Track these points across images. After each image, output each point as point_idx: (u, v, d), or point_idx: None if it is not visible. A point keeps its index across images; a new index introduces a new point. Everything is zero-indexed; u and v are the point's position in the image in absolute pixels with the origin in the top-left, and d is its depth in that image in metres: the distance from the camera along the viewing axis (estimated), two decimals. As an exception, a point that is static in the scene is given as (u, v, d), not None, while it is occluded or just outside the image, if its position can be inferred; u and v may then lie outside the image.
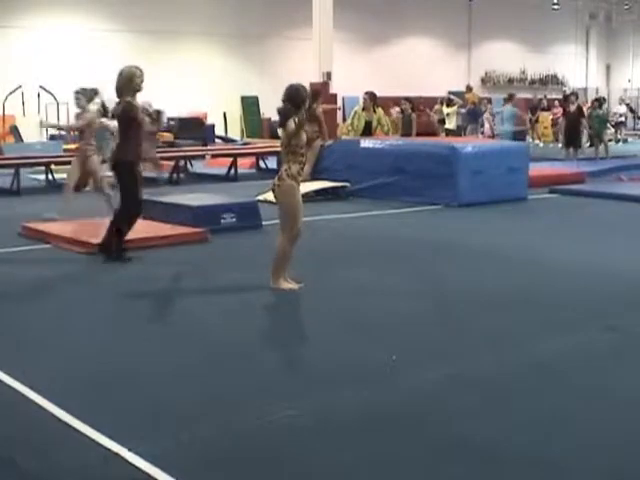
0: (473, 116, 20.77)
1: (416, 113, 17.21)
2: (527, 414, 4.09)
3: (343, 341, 5.33)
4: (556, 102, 26.31)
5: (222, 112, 25.68)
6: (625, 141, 26.80)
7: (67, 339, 5.38)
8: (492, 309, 6.12)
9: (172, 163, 15.09)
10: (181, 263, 7.77)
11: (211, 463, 3.56)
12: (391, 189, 12.03)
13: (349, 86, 23.24)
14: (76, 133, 9.99)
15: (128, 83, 7.55)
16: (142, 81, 7.63)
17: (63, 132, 9.97)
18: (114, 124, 15.18)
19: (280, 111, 6.53)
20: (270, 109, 23.46)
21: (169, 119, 18.78)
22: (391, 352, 4.98)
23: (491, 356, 5.01)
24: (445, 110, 20.21)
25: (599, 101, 20.14)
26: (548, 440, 3.75)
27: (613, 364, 4.90)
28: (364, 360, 4.89)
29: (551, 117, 26.23)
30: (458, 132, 19.75)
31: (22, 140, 20.55)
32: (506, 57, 34.34)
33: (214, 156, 17.76)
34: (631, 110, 33.15)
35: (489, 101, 23.14)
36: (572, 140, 18.34)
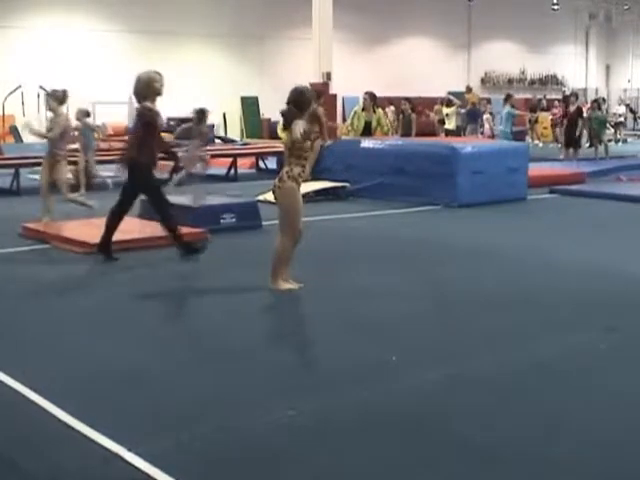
0: (473, 116, 20.77)
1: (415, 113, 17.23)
2: (527, 414, 4.09)
3: (343, 341, 5.33)
4: (556, 102, 26.32)
5: (222, 112, 25.69)
6: (625, 141, 26.82)
7: (67, 339, 5.38)
8: (492, 309, 6.12)
9: (172, 163, 15.04)
10: (180, 263, 7.77)
11: (211, 463, 3.56)
12: (391, 189, 12.03)
13: (349, 86, 23.26)
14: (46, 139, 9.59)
15: (146, 88, 7.64)
16: (162, 85, 7.72)
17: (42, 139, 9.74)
18: (97, 123, 15.13)
19: (284, 113, 6.52)
20: (270, 109, 23.59)
21: (169, 119, 18.78)
22: (391, 352, 4.98)
23: (491, 356, 5.01)
24: (444, 110, 20.22)
25: (598, 102, 20.16)
26: (548, 440, 3.76)
27: (613, 364, 4.90)
28: (364, 360, 4.89)
29: (550, 117, 26.24)
30: (458, 132, 19.76)
31: (22, 140, 20.56)
32: (506, 57, 34.39)
33: (214, 156, 17.74)
34: (631, 110, 33.20)
35: (489, 101, 23.16)
36: (572, 140, 18.34)
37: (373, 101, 14.60)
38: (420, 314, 6.03)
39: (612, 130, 26.08)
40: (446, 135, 19.21)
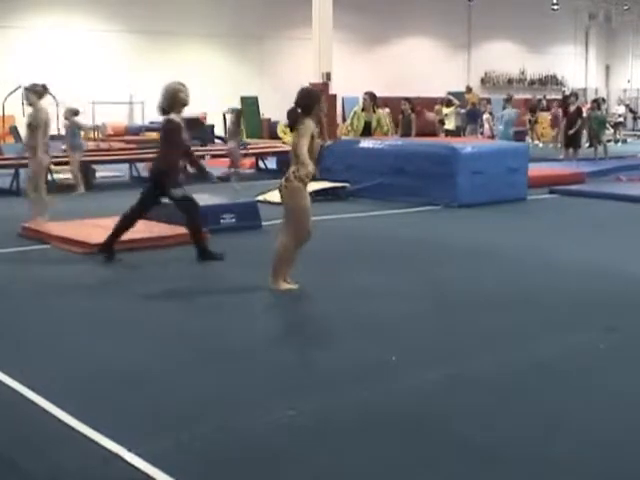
0: (473, 117, 20.77)
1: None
2: (527, 414, 4.09)
3: (343, 341, 5.33)
4: (555, 102, 26.33)
5: (222, 112, 25.68)
6: (624, 141, 26.83)
7: (67, 339, 5.38)
8: (492, 309, 6.12)
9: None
10: (181, 264, 7.77)
11: (211, 463, 3.56)
12: (391, 189, 12.03)
13: (349, 86, 23.24)
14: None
15: (173, 99, 7.79)
16: (187, 95, 7.85)
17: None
18: (85, 122, 15.08)
19: (290, 114, 6.53)
20: (270, 109, 23.59)
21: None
22: (391, 352, 4.98)
23: (491, 356, 5.01)
24: (444, 110, 20.21)
25: (598, 102, 20.16)
26: (548, 440, 3.76)
27: (613, 364, 4.90)
28: (364, 360, 4.89)
29: (550, 117, 26.25)
30: (457, 132, 19.75)
31: (22, 140, 20.52)
32: (506, 57, 34.38)
33: (214, 156, 17.76)
34: (630, 110, 33.20)
35: (488, 101, 23.15)
36: (571, 140, 18.34)
37: (373, 101, 14.60)
38: (420, 314, 6.03)
39: (612, 130, 26.09)
40: (446, 135, 19.21)
